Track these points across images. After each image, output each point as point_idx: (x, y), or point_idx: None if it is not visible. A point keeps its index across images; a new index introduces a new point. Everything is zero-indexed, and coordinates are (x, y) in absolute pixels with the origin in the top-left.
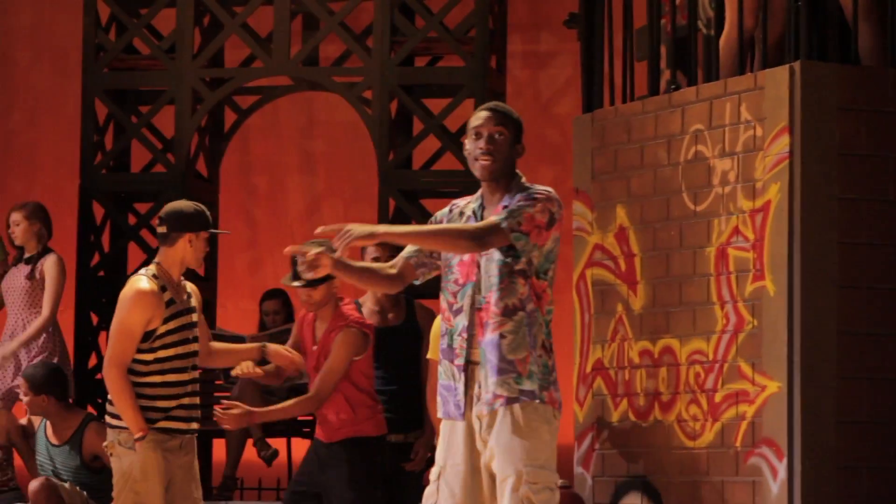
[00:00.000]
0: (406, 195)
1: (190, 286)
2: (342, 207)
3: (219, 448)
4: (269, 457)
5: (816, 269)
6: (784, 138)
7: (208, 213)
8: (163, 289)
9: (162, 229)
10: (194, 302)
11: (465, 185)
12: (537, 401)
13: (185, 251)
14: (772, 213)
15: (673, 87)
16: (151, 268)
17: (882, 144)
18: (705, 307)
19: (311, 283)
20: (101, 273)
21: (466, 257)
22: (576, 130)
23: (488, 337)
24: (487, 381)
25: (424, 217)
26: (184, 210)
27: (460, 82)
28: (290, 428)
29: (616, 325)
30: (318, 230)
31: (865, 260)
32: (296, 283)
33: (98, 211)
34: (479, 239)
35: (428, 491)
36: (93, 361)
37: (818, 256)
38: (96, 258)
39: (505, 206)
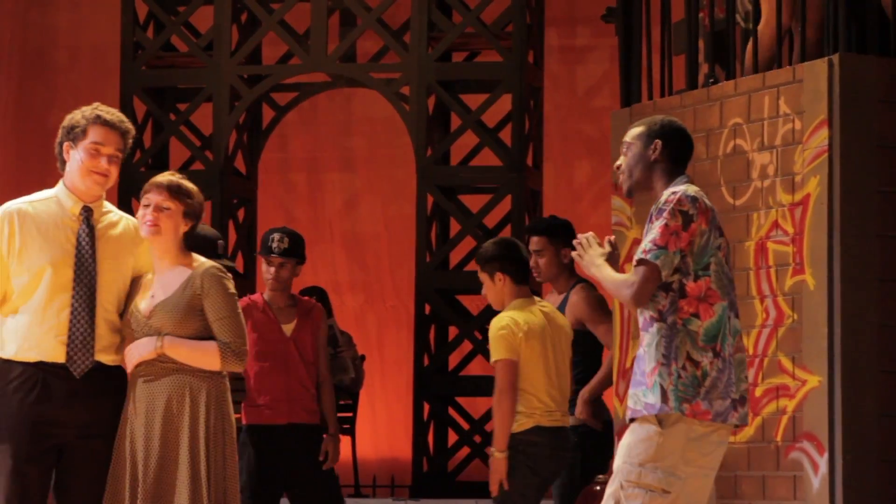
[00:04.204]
0: (444, 191)
1: None
2: (380, 204)
3: None
4: None
5: (857, 262)
6: (823, 131)
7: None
8: None
9: None
10: None
11: (503, 180)
12: (661, 413)
13: None
14: (811, 207)
15: (711, 80)
16: None
17: None
18: (745, 301)
19: None
20: None
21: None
22: (614, 125)
23: (637, 352)
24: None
25: (461, 213)
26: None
27: (498, 77)
28: None
29: None
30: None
31: None
32: None
33: (137, 209)
34: (629, 291)
35: None
36: None
37: (858, 249)
38: None
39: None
